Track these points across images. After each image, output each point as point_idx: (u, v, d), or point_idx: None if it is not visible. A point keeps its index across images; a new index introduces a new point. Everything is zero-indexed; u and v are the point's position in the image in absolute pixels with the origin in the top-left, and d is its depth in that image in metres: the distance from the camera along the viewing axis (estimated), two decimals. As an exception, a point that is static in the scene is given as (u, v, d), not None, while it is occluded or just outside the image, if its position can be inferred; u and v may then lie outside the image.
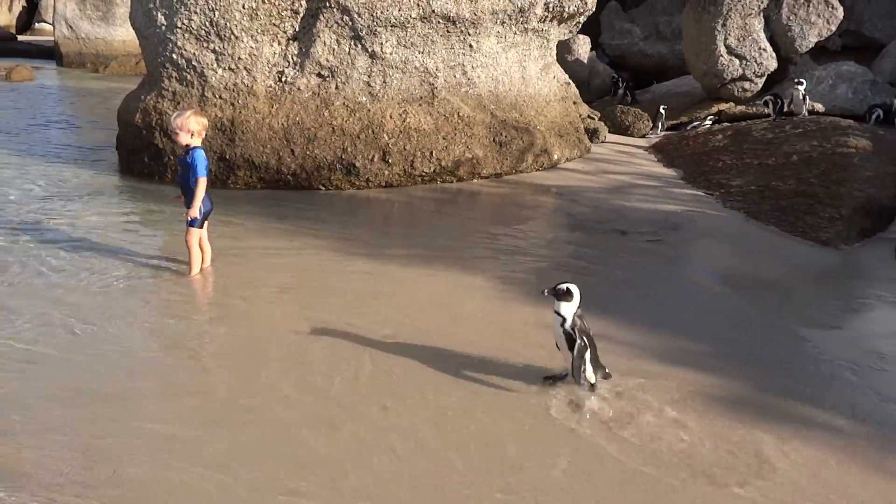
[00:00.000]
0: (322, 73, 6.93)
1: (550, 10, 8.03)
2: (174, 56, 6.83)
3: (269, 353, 3.55)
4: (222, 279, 4.54)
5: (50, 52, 24.69)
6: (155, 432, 2.82)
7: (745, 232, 6.37)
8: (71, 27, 22.67)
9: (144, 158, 7.17)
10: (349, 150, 6.85)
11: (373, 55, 6.97)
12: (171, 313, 4.07)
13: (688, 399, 3.27)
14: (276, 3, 6.67)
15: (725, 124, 11.24)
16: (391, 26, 6.90)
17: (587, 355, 3.09)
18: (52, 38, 26.78)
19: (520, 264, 5.12)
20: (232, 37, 6.68)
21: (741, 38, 11.29)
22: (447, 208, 6.78)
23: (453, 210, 6.79)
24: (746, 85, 11.61)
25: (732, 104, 11.97)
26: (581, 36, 13.45)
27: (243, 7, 6.59)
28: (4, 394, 3.07)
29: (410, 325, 3.94)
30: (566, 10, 8.23)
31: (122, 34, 22.70)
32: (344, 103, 6.95)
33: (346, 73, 6.95)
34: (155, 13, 6.80)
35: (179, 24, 6.68)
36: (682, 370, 3.55)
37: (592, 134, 10.13)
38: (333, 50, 6.87)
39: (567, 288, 3.13)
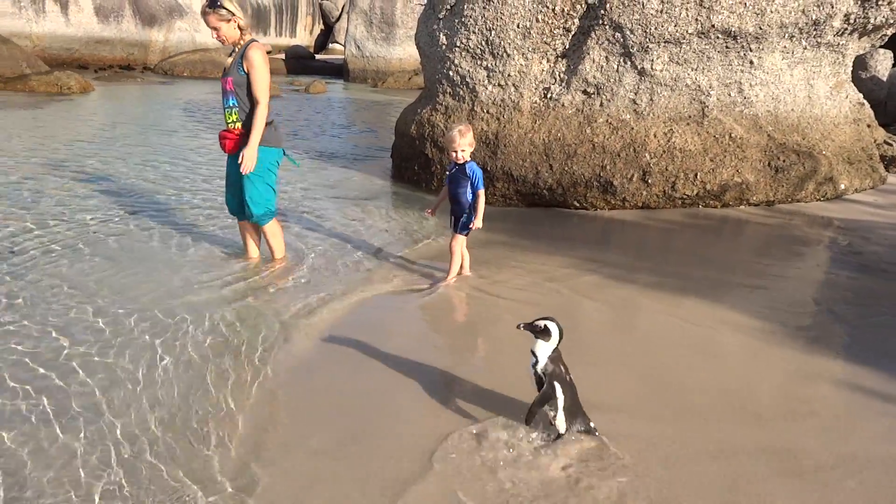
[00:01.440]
0: (587, 89, 6.92)
1: (851, 21, 7.12)
2: (450, 73, 7.32)
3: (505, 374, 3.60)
4: (475, 291, 4.70)
5: (338, 70, 28.22)
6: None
7: None
8: (358, 47, 25.61)
9: (415, 167, 7.79)
10: (608, 168, 6.74)
11: (641, 72, 6.78)
12: (426, 317, 4.34)
13: None
14: (550, 22, 6.82)
15: None
16: (664, 42, 6.66)
17: (560, 403, 2.72)
18: (341, 57, 30.56)
19: (787, 307, 4.57)
20: (504, 54, 6.97)
21: None
22: (708, 236, 6.34)
23: (715, 239, 6.33)
24: None
25: None
26: (882, 50, 11.78)
27: (518, 26, 6.84)
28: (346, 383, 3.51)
29: (650, 362, 3.72)
30: (871, 21, 7.23)
31: (399, 53, 25.13)
32: (607, 120, 6.86)
33: (611, 90, 6.86)
34: (438, 34, 7.36)
35: (458, 44, 7.15)
36: None
37: (890, 162, 8.79)
38: (601, 67, 6.83)
39: (545, 325, 2.74)
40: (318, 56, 36.31)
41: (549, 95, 7.04)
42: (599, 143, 6.80)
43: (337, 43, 44.27)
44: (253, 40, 4.63)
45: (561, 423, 2.76)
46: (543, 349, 2.75)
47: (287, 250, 5.21)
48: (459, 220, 4.67)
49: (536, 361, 2.76)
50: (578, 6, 6.77)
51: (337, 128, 13.64)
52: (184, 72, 25.04)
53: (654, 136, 6.78)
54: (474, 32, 7.04)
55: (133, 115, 13.74)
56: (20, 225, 5.63)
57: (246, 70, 4.52)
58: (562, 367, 2.77)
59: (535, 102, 7.07)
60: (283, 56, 30.95)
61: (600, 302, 4.52)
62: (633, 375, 3.47)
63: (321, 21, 47.97)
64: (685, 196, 6.82)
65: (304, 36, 43.39)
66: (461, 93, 7.34)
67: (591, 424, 2.84)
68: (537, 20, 6.82)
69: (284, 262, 5.05)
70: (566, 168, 6.83)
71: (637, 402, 3.20)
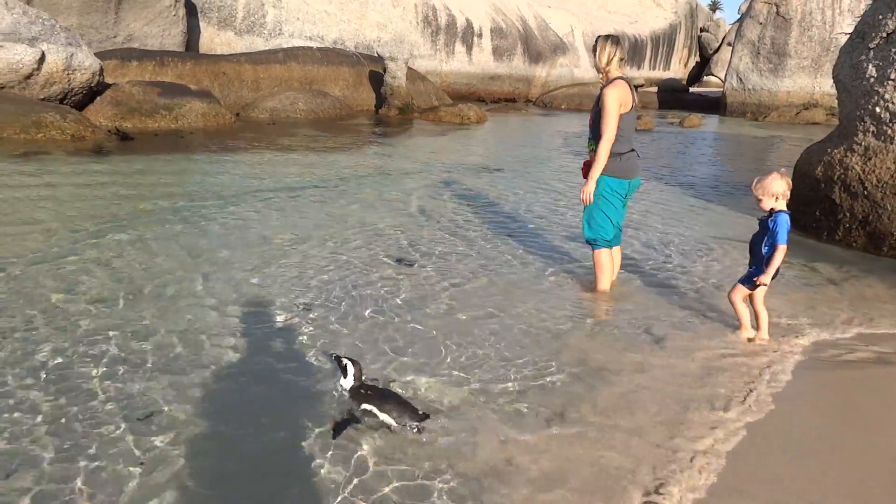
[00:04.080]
0: None
1: None
2: (877, 109, 6.39)
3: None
4: (773, 366, 3.93)
5: (712, 103, 26.98)
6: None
7: None
8: (740, 79, 24.20)
9: (816, 212, 6.98)
10: None
11: None
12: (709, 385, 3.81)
13: None
14: None
15: None
16: None
17: (383, 417, 3.04)
18: (716, 90, 29.21)
19: None
20: (957, 88, 5.82)
21: None
22: None
23: None
24: None
25: None
26: None
27: (983, 54, 5.65)
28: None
29: None
30: None
31: (788, 85, 23.05)
32: None
33: None
34: (865, 65, 6.50)
35: (892, 76, 6.20)
36: None
37: None
38: None
39: (344, 363, 3.20)
40: (690, 89, 35.32)
41: None
42: None
43: (712, 75, 42.64)
44: (616, 78, 4.70)
45: (390, 421, 3.04)
46: (343, 383, 3.21)
47: (628, 276, 5.14)
48: (749, 269, 4.23)
49: (342, 391, 3.21)
50: None
51: (716, 163, 13.05)
52: (561, 104, 26.68)
53: None
54: (917, 63, 6.02)
55: (519, 143, 15.11)
56: (416, 235, 6.47)
57: (599, 106, 4.73)
58: (360, 405, 3.10)
59: None
60: (655, 89, 30.86)
61: None
62: None
63: (697, 53, 46.70)
64: None
65: (678, 68, 42.65)
66: (889, 132, 6.34)
67: (416, 424, 3.01)
68: None
69: (602, 296, 4.98)
70: None
71: None
